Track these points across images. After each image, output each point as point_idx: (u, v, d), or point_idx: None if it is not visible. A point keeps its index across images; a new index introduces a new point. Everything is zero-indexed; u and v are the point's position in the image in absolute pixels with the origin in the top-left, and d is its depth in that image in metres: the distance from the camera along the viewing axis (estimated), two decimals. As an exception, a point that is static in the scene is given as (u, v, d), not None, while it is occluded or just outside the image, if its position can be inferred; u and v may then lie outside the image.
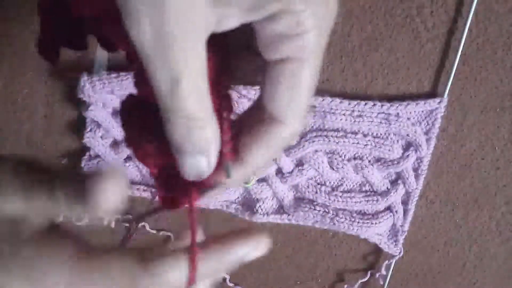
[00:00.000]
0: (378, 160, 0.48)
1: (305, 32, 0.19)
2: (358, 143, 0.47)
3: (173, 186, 0.23)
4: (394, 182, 0.49)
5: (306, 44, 0.20)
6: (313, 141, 0.47)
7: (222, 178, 0.22)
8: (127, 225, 0.54)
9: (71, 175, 0.22)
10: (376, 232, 0.51)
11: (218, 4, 0.18)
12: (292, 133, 0.22)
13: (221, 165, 0.22)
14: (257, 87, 0.46)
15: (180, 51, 0.17)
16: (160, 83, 0.18)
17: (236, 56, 0.23)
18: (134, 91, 0.22)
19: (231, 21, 0.19)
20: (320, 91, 0.47)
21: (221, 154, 0.21)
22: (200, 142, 0.20)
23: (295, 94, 0.21)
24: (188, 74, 0.18)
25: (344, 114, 0.46)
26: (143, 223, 0.54)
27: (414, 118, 0.46)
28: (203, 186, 0.22)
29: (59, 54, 0.26)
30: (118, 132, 0.49)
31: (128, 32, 0.17)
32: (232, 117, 0.22)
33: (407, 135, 0.46)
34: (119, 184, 0.21)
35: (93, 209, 0.21)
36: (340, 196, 0.49)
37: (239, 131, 0.23)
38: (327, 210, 0.50)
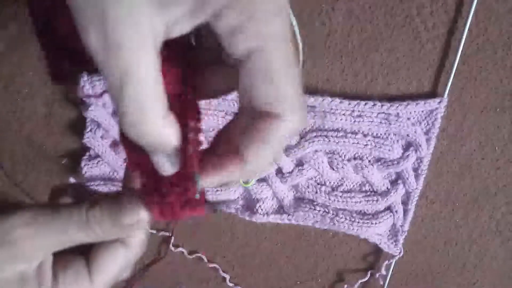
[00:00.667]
0: (378, 160, 0.48)
1: (256, 19, 0.19)
2: (358, 143, 0.47)
3: (162, 195, 0.23)
4: (394, 182, 0.49)
5: (260, 30, 0.19)
6: (313, 141, 0.47)
7: (190, 188, 0.23)
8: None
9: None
10: (376, 232, 0.51)
11: (161, 10, 0.18)
12: (290, 127, 0.22)
13: (191, 176, 0.22)
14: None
15: (125, 57, 0.18)
16: (110, 88, 0.19)
17: (205, 69, 0.23)
18: None
19: (181, 26, 0.19)
20: (320, 91, 0.47)
21: (188, 164, 0.22)
22: (154, 144, 0.21)
23: (276, 82, 0.20)
24: (134, 80, 0.18)
25: (344, 114, 0.46)
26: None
27: (414, 118, 0.46)
28: (188, 194, 0.23)
29: (69, 75, 0.27)
30: (118, 132, 0.49)
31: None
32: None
33: (407, 135, 0.46)
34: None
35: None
36: (340, 196, 0.49)
37: (228, 138, 0.23)
38: (327, 210, 0.49)
